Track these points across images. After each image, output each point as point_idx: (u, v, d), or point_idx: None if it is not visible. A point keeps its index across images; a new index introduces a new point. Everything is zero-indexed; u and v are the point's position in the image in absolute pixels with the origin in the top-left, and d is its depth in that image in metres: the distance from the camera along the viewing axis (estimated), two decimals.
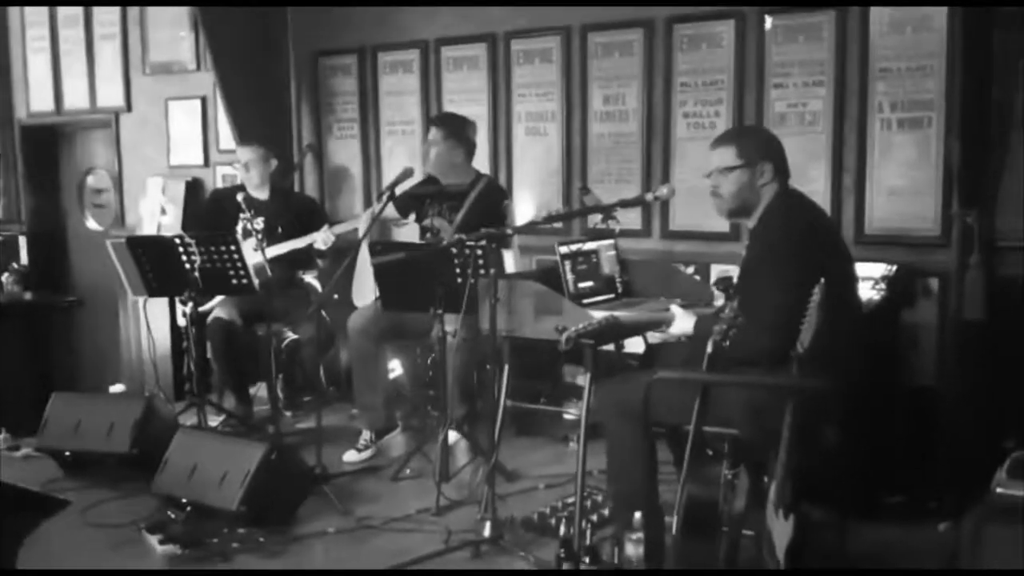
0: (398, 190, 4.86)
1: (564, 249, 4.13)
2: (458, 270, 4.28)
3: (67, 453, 4.65)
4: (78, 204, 8.18)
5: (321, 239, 5.37)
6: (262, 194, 5.66)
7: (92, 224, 8.09)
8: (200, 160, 7.14)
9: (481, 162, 5.73)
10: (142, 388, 6.75)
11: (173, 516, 4.02)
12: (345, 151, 6.63)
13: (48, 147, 8.27)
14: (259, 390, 5.69)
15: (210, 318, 5.46)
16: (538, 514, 4.01)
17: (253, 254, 5.02)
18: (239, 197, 5.45)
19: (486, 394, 4.39)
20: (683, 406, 3.13)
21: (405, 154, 6.26)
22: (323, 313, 5.37)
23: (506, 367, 3.97)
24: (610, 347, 4.34)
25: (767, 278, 3.22)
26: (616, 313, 3.74)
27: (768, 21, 4.97)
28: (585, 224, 5.44)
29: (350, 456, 4.91)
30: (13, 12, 8.11)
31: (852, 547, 3.59)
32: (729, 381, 3.17)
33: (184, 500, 4.03)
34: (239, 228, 5.48)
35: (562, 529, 3.42)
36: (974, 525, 3.25)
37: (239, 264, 4.87)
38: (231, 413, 5.45)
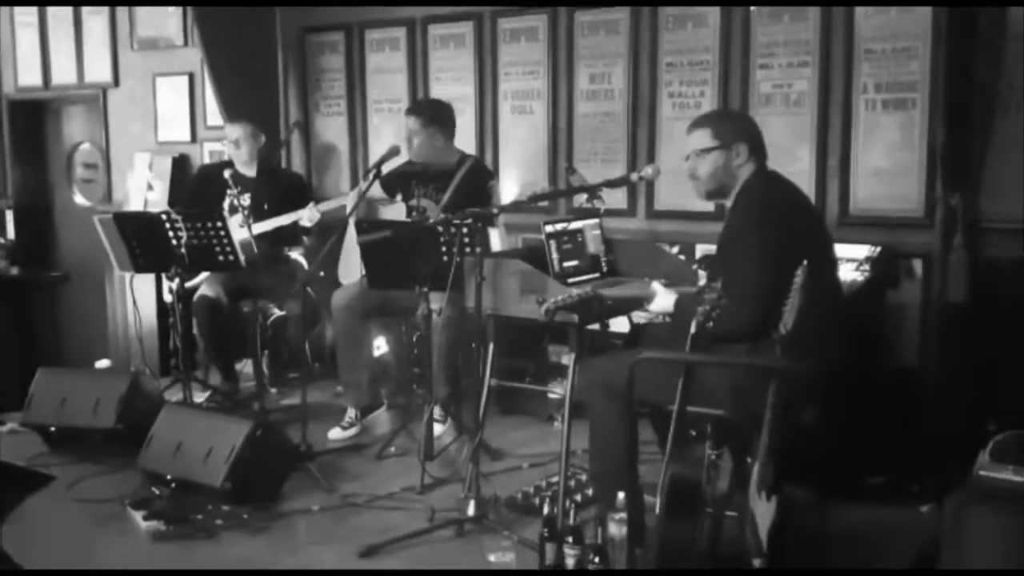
0: (384, 168, 4.86)
1: (549, 228, 4.14)
2: (444, 249, 4.28)
3: (52, 428, 4.66)
4: (65, 179, 8.16)
5: (307, 216, 5.38)
6: (249, 171, 5.65)
7: (79, 199, 8.06)
8: (187, 136, 7.12)
9: (467, 141, 5.74)
10: (128, 364, 6.76)
11: (158, 492, 4.04)
12: (332, 128, 6.62)
13: (35, 122, 8.24)
14: (245, 366, 5.70)
15: (196, 294, 5.46)
16: (522, 493, 4.03)
17: (239, 230, 5.02)
18: (226, 174, 5.45)
19: (471, 372, 4.40)
20: (667, 386, 3.14)
21: (392, 132, 6.24)
22: (309, 290, 5.38)
23: (491, 346, 3.98)
24: (595, 327, 4.35)
25: (744, 254, 3.24)
26: (598, 290, 3.75)
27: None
28: (571, 203, 5.45)
29: (335, 433, 4.92)
30: None
31: (834, 528, 3.62)
32: (713, 361, 3.19)
33: (169, 476, 4.05)
34: (226, 204, 5.48)
35: (545, 508, 3.44)
36: (956, 507, 3.27)
37: (225, 240, 4.87)
38: (216, 389, 5.46)
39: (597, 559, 3.18)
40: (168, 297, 5.35)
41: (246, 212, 5.20)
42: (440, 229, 4.26)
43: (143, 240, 5.01)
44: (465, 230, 4.13)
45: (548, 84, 5.67)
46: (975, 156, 4.40)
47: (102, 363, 7.04)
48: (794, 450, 3.17)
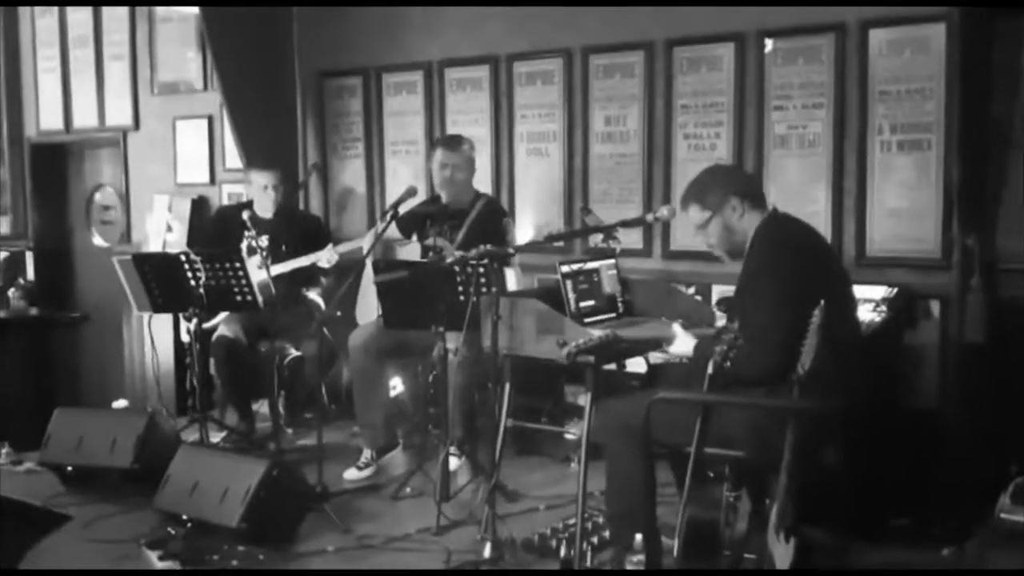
0: (401, 209, 4.89)
1: (565, 268, 4.15)
2: (460, 288, 4.30)
3: (69, 468, 4.66)
4: (85, 221, 8.23)
5: (325, 258, 5.40)
6: (267, 213, 5.69)
7: (98, 240, 8.13)
8: (206, 179, 7.19)
9: (484, 182, 5.77)
10: (145, 404, 6.77)
11: (174, 532, 4.03)
12: (350, 170, 6.67)
13: (56, 165, 8.33)
14: (261, 407, 5.71)
15: (215, 334, 5.49)
16: (538, 535, 3.99)
17: (257, 272, 5.04)
18: (244, 215, 5.49)
19: (487, 413, 4.39)
20: (684, 427, 3.13)
21: (409, 173, 6.30)
22: (325, 330, 5.39)
23: (507, 386, 3.98)
24: (612, 367, 4.34)
25: (759, 296, 3.25)
26: (617, 331, 3.75)
27: (768, 44, 4.99)
28: (586, 244, 5.46)
29: (350, 474, 4.91)
30: (24, 31, 8.22)
31: (854, 570, 3.59)
32: (730, 401, 3.18)
33: (185, 516, 4.04)
34: (243, 246, 5.51)
35: (562, 551, 3.42)
36: (978, 550, 3.25)
37: (243, 281, 4.89)
38: (233, 429, 5.46)
39: None
40: (186, 337, 5.37)
41: (264, 254, 5.23)
42: (456, 269, 4.28)
43: (162, 280, 5.04)
44: (481, 270, 4.15)
45: (564, 126, 5.71)
46: (991, 196, 4.40)
47: (119, 403, 7.04)
48: (813, 491, 3.15)
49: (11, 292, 7.56)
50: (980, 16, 4.24)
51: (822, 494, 3.28)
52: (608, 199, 5.55)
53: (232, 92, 6.40)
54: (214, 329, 5.54)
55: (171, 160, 7.36)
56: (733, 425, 3.20)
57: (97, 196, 8.18)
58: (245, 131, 6.39)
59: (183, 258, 4.98)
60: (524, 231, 5.75)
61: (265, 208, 5.67)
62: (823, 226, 4.65)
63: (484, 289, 4.09)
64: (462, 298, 4.25)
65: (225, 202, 6.90)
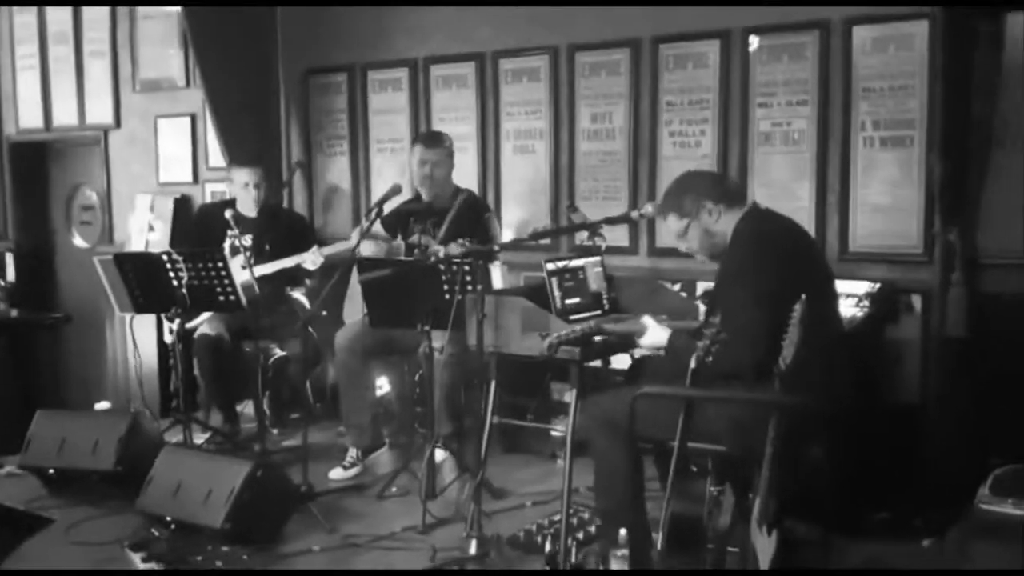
0: (385, 207, 4.88)
1: (551, 266, 4.14)
2: (445, 286, 4.29)
3: (51, 470, 4.63)
4: (65, 221, 8.18)
5: (310, 260, 5.37)
6: (250, 211, 5.66)
7: (79, 241, 8.08)
8: (189, 177, 7.15)
9: (470, 179, 5.78)
10: (128, 405, 6.73)
11: (157, 534, 4.02)
12: (334, 168, 6.65)
13: (37, 164, 8.28)
14: (245, 407, 5.69)
15: (197, 334, 5.46)
16: (524, 531, 4.00)
17: (241, 272, 5.02)
18: (227, 214, 5.46)
19: (473, 411, 4.39)
20: (668, 422, 3.14)
21: (394, 171, 6.29)
22: (310, 329, 5.37)
23: (493, 384, 3.98)
24: (596, 363, 4.35)
25: (739, 291, 3.26)
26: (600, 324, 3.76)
27: (753, 41, 5.00)
28: (572, 241, 5.46)
29: (336, 473, 4.90)
30: (2, 29, 8.13)
31: (836, 563, 3.60)
32: (712, 396, 3.19)
33: (168, 518, 4.02)
34: (227, 245, 5.49)
35: (548, 546, 3.42)
36: (958, 541, 3.27)
37: (226, 280, 4.87)
38: (217, 430, 5.44)
39: None
40: (168, 338, 5.34)
41: (248, 253, 5.21)
42: (441, 267, 4.27)
43: (143, 280, 5.01)
44: (467, 268, 4.15)
45: (550, 123, 5.71)
46: (972, 191, 4.42)
47: (102, 405, 7.02)
48: (795, 485, 3.16)
49: None
50: (962, 15, 4.26)
51: (804, 488, 3.29)
52: (594, 196, 5.56)
53: (215, 89, 6.37)
54: (196, 329, 5.52)
55: (153, 159, 7.32)
56: (715, 420, 3.21)
57: (77, 196, 8.12)
58: (228, 129, 6.36)
59: (165, 258, 4.95)
60: (510, 229, 5.75)
61: (248, 206, 5.65)
62: (807, 222, 4.66)
63: (469, 287, 4.08)
64: (447, 296, 4.24)
65: (208, 201, 6.86)
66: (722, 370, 3.10)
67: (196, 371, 5.63)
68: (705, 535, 3.11)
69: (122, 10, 7.36)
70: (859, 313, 4.46)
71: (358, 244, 4.80)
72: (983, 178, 4.42)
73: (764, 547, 2.97)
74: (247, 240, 5.44)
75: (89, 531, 4.21)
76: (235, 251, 5.37)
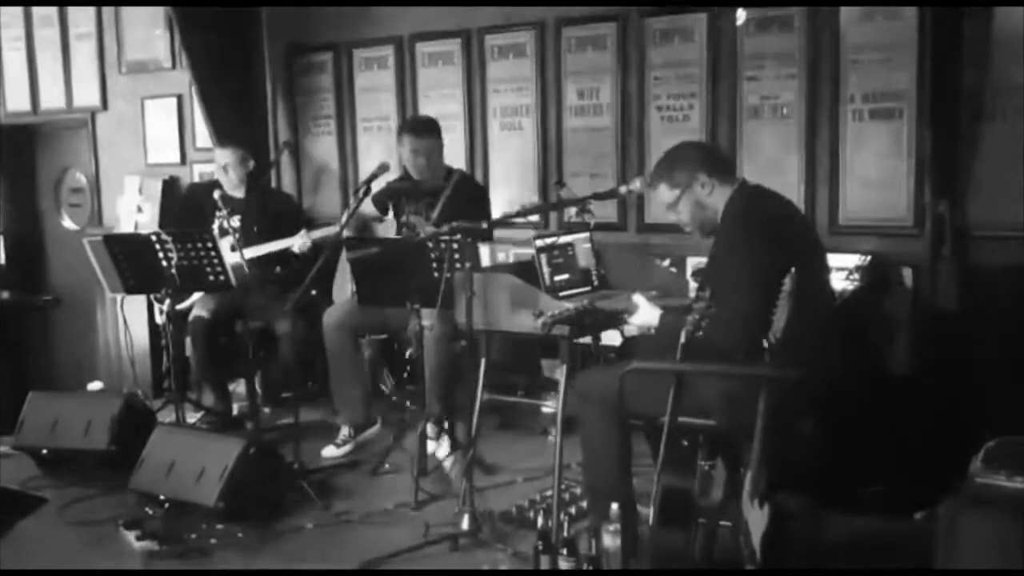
0: (374, 185, 4.87)
1: (540, 243, 4.15)
2: (434, 264, 4.29)
3: (44, 451, 4.65)
4: (54, 203, 8.14)
5: (298, 244, 5.36)
6: (238, 192, 5.64)
7: (68, 223, 8.05)
8: (177, 158, 7.12)
9: (457, 157, 5.76)
10: (120, 386, 6.73)
11: (151, 512, 4.03)
12: (322, 148, 6.63)
13: (24, 147, 8.23)
14: (237, 387, 5.69)
15: (191, 315, 5.45)
16: (516, 507, 4.02)
17: (231, 254, 5.00)
18: (216, 194, 5.44)
19: (464, 388, 4.40)
20: (658, 397, 3.14)
21: (382, 150, 6.26)
22: (300, 309, 5.36)
23: (483, 361, 3.98)
24: (586, 340, 4.35)
25: (732, 267, 3.25)
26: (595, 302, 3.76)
27: (741, 14, 4.98)
28: (561, 218, 5.46)
29: (329, 451, 4.91)
30: None
31: (828, 536, 3.61)
32: (703, 370, 3.19)
33: (162, 496, 4.04)
34: (215, 227, 5.47)
35: (540, 521, 3.43)
36: (950, 513, 3.27)
37: (216, 260, 4.85)
38: (209, 410, 5.44)
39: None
40: (160, 319, 5.33)
41: (237, 236, 5.19)
42: (430, 245, 4.27)
43: (133, 261, 4.99)
44: (455, 245, 4.14)
45: (537, 100, 5.69)
46: (962, 163, 4.43)
47: (94, 385, 7.02)
48: (787, 459, 3.17)
49: None
50: None
51: (796, 461, 3.30)
52: (582, 173, 5.55)
53: (201, 70, 6.35)
54: (188, 310, 5.51)
55: (141, 140, 7.29)
56: (706, 394, 3.21)
57: (65, 179, 8.08)
58: (215, 110, 6.34)
59: (154, 238, 4.93)
60: (498, 206, 5.73)
61: (232, 187, 5.62)
62: (796, 196, 4.67)
63: (458, 265, 4.08)
64: (436, 274, 4.24)
65: (196, 181, 6.83)
66: (712, 344, 3.10)
67: (188, 351, 5.63)
68: (697, 510, 3.11)
69: None
70: (849, 286, 4.46)
71: (343, 227, 4.78)
72: (973, 150, 4.43)
73: (756, 521, 2.98)
74: (235, 222, 5.42)
75: (83, 511, 4.22)
76: (223, 232, 5.35)
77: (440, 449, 4.78)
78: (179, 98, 7.03)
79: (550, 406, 5.11)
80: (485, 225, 4.05)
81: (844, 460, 3.99)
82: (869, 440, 4.23)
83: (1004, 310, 4.37)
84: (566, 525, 3.31)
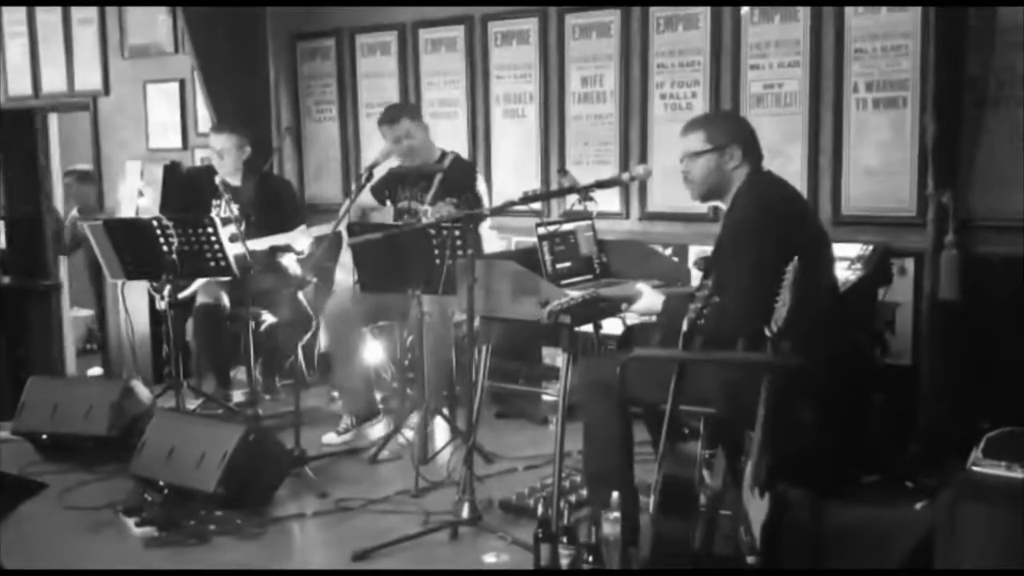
0: (375, 172, 4.86)
1: (542, 230, 4.13)
2: (436, 251, 4.28)
3: (44, 436, 4.66)
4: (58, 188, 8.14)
5: (300, 241, 5.34)
6: (234, 179, 5.61)
7: (70, 208, 8.04)
8: (179, 143, 7.11)
9: (460, 144, 5.75)
10: (120, 371, 6.73)
11: (150, 498, 4.03)
12: (324, 133, 6.61)
13: (26, 131, 8.21)
14: (237, 373, 5.68)
15: (197, 302, 5.43)
16: (516, 495, 4.02)
17: (232, 245, 4.97)
18: (216, 179, 5.43)
19: (464, 375, 4.39)
20: (659, 385, 3.14)
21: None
22: (300, 296, 5.36)
23: (484, 348, 3.97)
24: (588, 328, 4.34)
25: (740, 257, 3.24)
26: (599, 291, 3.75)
27: (745, 11, 4.96)
28: (564, 206, 5.44)
29: (329, 438, 4.91)
30: None
31: (828, 525, 3.60)
32: (704, 359, 3.18)
33: (161, 482, 4.03)
34: (216, 215, 5.44)
35: (540, 509, 3.42)
36: (949, 502, 3.27)
37: (216, 246, 4.84)
38: (209, 396, 5.43)
39: (591, 559, 3.17)
40: (161, 305, 5.32)
41: (242, 227, 5.18)
42: (432, 232, 4.26)
43: (134, 247, 4.98)
44: (457, 232, 4.13)
45: (540, 87, 5.67)
46: (965, 153, 4.41)
47: (94, 371, 7.02)
48: (788, 448, 3.16)
49: None
50: None
51: (796, 450, 3.29)
52: (585, 160, 5.54)
53: (204, 55, 6.32)
54: (189, 299, 5.51)
55: (143, 125, 7.27)
56: (707, 382, 3.20)
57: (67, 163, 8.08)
58: (217, 95, 6.32)
59: (155, 223, 4.92)
60: (500, 193, 5.72)
61: (227, 173, 5.58)
62: (799, 185, 4.63)
63: (460, 252, 4.07)
64: (438, 261, 4.23)
65: (194, 166, 6.83)
66: (714, 332, 3.09)
67: (189, 337, 5.62)
68: (697, 498, 3.10)
69: None
70: (852, 276, 4.44)
71: (340, 221, 4.75)
72: (976, 139, 4.41)
73: (756, 510, 2.97)
74: (235, 209, 5.39)
75: (83, 496, 4.22)
76: (224, 222, 5.33)
77: (440, 437, 4.77)
78: (181, 83, 7.01)
79: (551, 394, 5.10)
80: (487, 212, 4.03)
81: (845, 450, 3.98)
82: (870, 429, 4.22)
83: (1007, 299, 4.36)
84: (566, 513, 3.30)
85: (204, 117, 6.67)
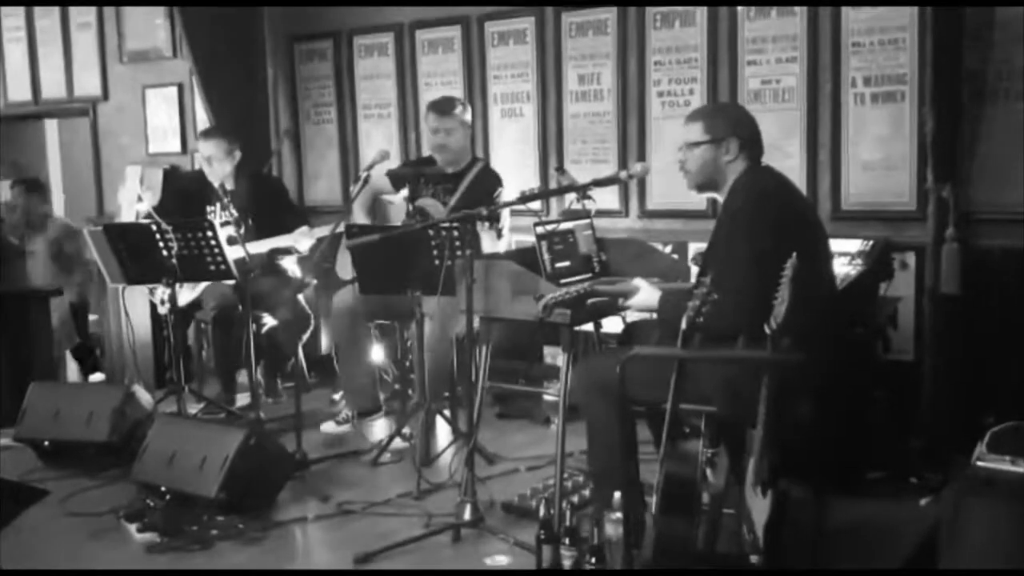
0: (387, 165, 4.85)
1: (541, 229, 4.11)
2: (435, 252, 4.27)
3: (46, 442, 4.65)
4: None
5: (303, 243, 5.33)
6: (229, 183, 5.58)
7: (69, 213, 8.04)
8: (178, 147, 7.11)
9: None
10: (122, 376, 6.72)
11: (152, 504, 4.01)
12: (322, 135, 6.61)
13: (26, 136, 8.22)
14: (240, 376, 5.68)
15: (211, 309, 5.42)
16: (518, 496, 4.00)
17: (232, 248, 4.96)
18: (215, 183, 5.42)
19: (465, 376, 4.38)
20: (659, 383, 3.12)
21: (382, 137, 6.26)
22: (300, 298, 5.36)
23: (484, 348, 3.97)
24: (588, 327, 4.33)
25: (735, 250, 3.22)
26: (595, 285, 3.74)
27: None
28: (562, 204, 5.43)
29: (328, 427, 4.93)
30: None
31: (832, 523, 3.59)
32: (704, 356, 3.17)
33: (163, 488, 4.02)
34: (217, 220, 5.43)
35: (542, 511, 3.41)
36: (954, 498, 3.25)
37: (216, 250, 4.83)
38: (211, 400, 5.43)
39: (594, 560, 3.16)
40: (162, 309, 5.31)
41: (241, 231, 5.17)
42: (431, 232, 4.25)
43: (134, 251, 4.97)
44: (456, 233, 4.12)
45: (537, 86, 5.66)
46: (965, 146, 4.40)
47: (95, 376, 7.01)
48: (790, 445, 3.15)
49: None
50: None
51: (799, 448, 3.27)
52: (583, 158, 5.53)
53: (202, 59, 6.34)
54: (191, 305, 5.50)
55: (142, 129, 7.28)
56: (707, 381, 3.19)
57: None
58: (215, 98, 6.33)
59: (154, 228, 4.91)
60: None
61: (219, 179, 5.55)
62: (798, 180, 4.63)
63: (459, 252, 4.06)
64: (437, 262, 4.22)
65: (185, 171, 6.84)
66: (713, 329, 3.08)
67: (191, 341, 5.61)
68: (700, 497, 3.09)
69: None
70: (853, 271, 4.43)
71: (338, 225, 4.74)
72: (976, 132, 4.40)
73: (759, 508, 2.96)
74: (233, 212, 5.38)
75: (84, 502, 4.21)
76: (222, 225, 5.32)
77: (442, 438, 4.76)
78: (180, 87, 7.02)
79: (552, 394, 5.09)
80: (485, 212, 4.01)
81: (847, 446, 3.97)
82: (872, 425, 4.21)
83: (1008, 293, 4.35)
84: (568, 514, 3.29)
85: (203, 121, 6.66)
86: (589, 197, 4.46)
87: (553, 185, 5.43)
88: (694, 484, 3.12)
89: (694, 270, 3.95)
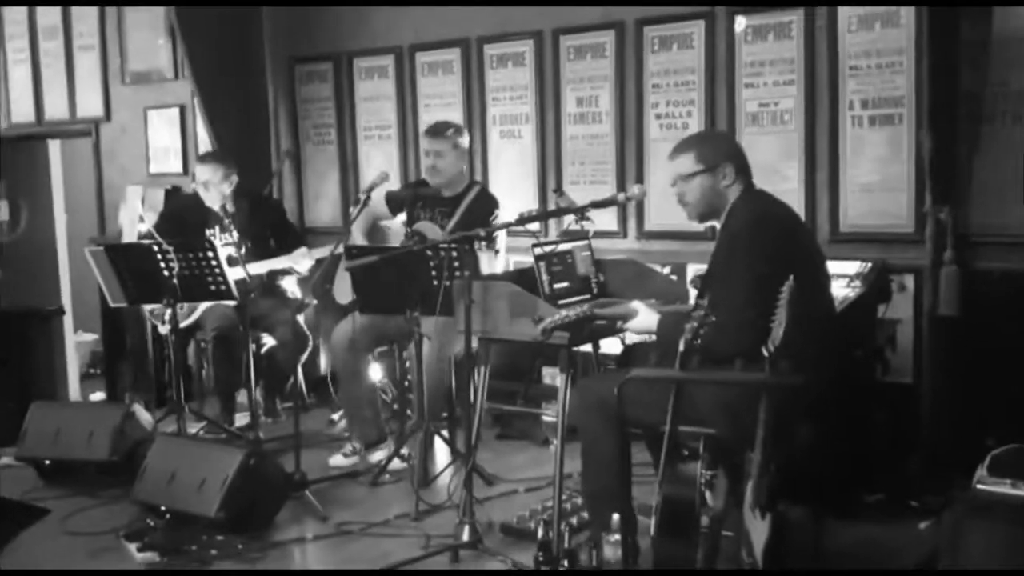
0: (384, 188, 4.86)
1: (539, 250, 4.13)
2: (433, 272, 4.29)
3: (47, 461, 4.67)
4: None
5: (302, 265, 5.34)
6: (229, 205, 5.59)
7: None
8: (179, 168, 7.13)
9: None
10: (122, 396, 6.73)
11: (152, 523, 4.03)
12: (322, 157, 6.64)
13: (29, 157, 8.24)
14: (239, 396, 5.68)
15: (212, 330, 5.42)
16: (517, 518, 4.01)
17: (232, 270, 4.97)
18: (216, 206, 5.44)
19: (464, 397, 4.39)
20: (658, 405, 3.13)
21: (382, 159, 6.28)
22: (300, 319, 5.37)
23: (483, 369, 3.98)
24: (587, 348, 4.34)
25: (733, 273, 3.24)
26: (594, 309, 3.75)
27: (739, 22, 4.97)
28: (561, 226, 5.46)
29: (336, 460, 4.91)
30: None
31: (831, 546, 3.59)
32: (702, 379, 3.18)
33: (163, 507, 4.03)
34: (218, 242, 5.44)
35: (540, 532, 3.42)
36: (954, 521, 3.26)
37: (217, 270, 4.85)
38: (211, 420, 5.43)
39: None
40: (163, 329, 5.32)
41: (243, 252, 5.19)
42: (429, 254, 4.27)
43: (135, 272, 4.98)
44: (454, 254, 4.14)
45: (535, 108, 5.69)
46: (963, 168, 4.41)
47: (96, 396, 7.02)
48: (788, 468, 3.16)
49: None
50: None
51: (797, 470, 3.28)
52: (581, 180, 5.55)
53: (203, 80, 6.37)
54: (192, 326, 5.51)
55: (143, 150, 7.31)
56: (705, 403, 3.20)
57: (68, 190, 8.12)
58: (217, 119, 6.36)
59: (155, 249, 4.92)
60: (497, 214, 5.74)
61: (215, 203, 5.55)
62: (796, 203, 4.65)
63: (457, 273, 4.08)
64: (435, 283, 4.24)
65: (183, 192, 6.86)
66: (711, 352, 3.09)
67: (191, 361, 5.62)
68: (698, 519, 3.10)
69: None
70: (851, 293, 4.43)
71: (337, 245, 4.76)
72: (973, 154, 4.41)
73: (758, 531, 2.96)
74: (234, 234, 5.39)
75: (84, 521, 4.23)
76: (223, 245, 5.34)
77: (440, 459, 4.76)
78: (181, 108, 7.04)
79: (550, 415, 5.09)
80: (482, 234, 4.03)
81: (846, 468, 3.97)
82: (871, 448, 4.21)
83: (1006, 315, 4.35)
84: (567, 536, 3.29)
85: (204, 142, 6.69)
86: (587, 218, 4.48)
87: (551, 206, 5.45)
88: (693, 507, 3.12)
89: (693, 292, 3.97)
